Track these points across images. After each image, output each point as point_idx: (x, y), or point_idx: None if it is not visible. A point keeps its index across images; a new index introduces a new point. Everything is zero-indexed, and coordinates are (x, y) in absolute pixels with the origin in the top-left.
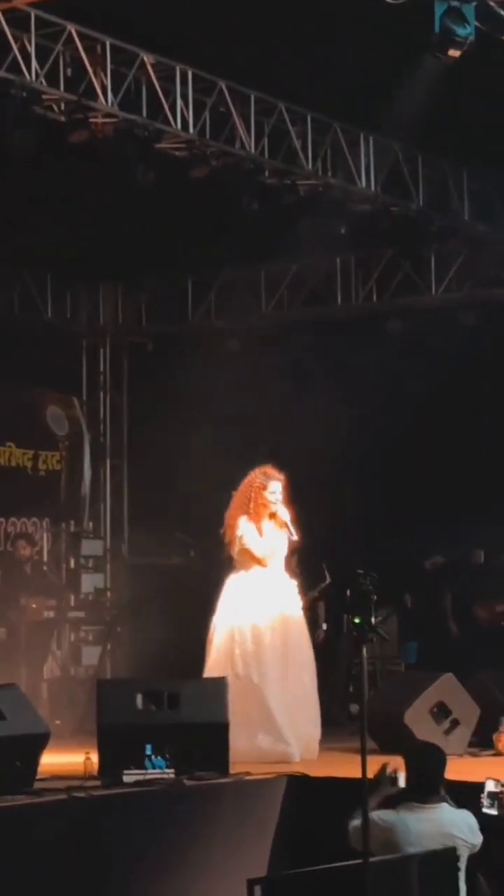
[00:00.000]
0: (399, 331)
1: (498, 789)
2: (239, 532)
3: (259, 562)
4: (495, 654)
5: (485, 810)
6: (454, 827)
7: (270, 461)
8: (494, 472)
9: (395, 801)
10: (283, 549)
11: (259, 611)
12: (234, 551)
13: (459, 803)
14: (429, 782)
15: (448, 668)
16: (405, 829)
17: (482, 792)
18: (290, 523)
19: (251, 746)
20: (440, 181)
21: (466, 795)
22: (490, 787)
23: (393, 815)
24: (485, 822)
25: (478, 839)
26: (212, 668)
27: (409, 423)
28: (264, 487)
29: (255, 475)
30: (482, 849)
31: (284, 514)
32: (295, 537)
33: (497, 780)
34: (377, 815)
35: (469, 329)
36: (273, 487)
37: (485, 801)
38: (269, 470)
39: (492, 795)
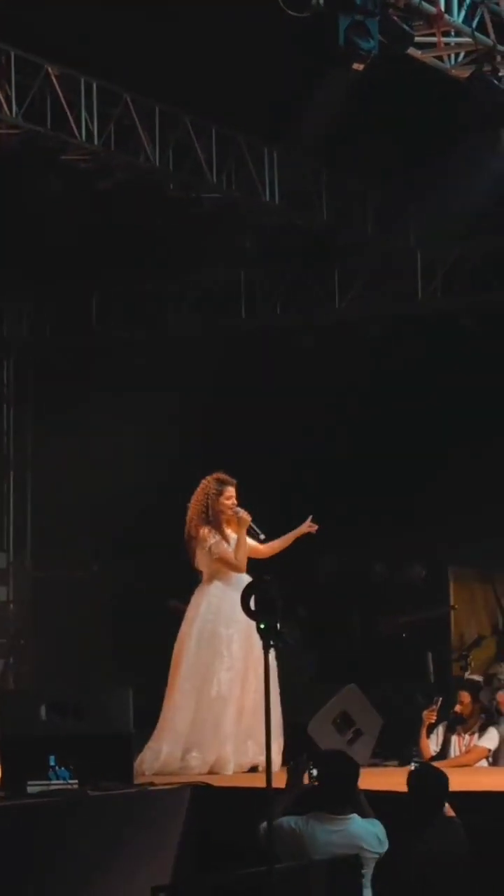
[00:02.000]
0: (303, 345)
1: None
2: (208, 543)
3: (236, 568)
4: (396, 666)
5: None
6: (362, 840)
7: (176, 474)
8: (398, 486)
9: (308, 800)
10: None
11: (238, 620)
12: (203, 562)
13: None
14: (340, 793)
15: (347, 679)
16: (312, 838)
17: None
18: (253, 524)
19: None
20: (345, 195)
21: (372, 805)
22: None
23: (302, 823)
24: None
25: (384, 848)
26: (184, 679)
27: (315, 437)
28: (220, 493)
29: (207, 483)
30: None
31: (246, 516)
32: (262, 536)
33: None
34: (287, 821)
35: (375, 343)
36: (229, 492)
37: None
38: (222, 476)
39: None
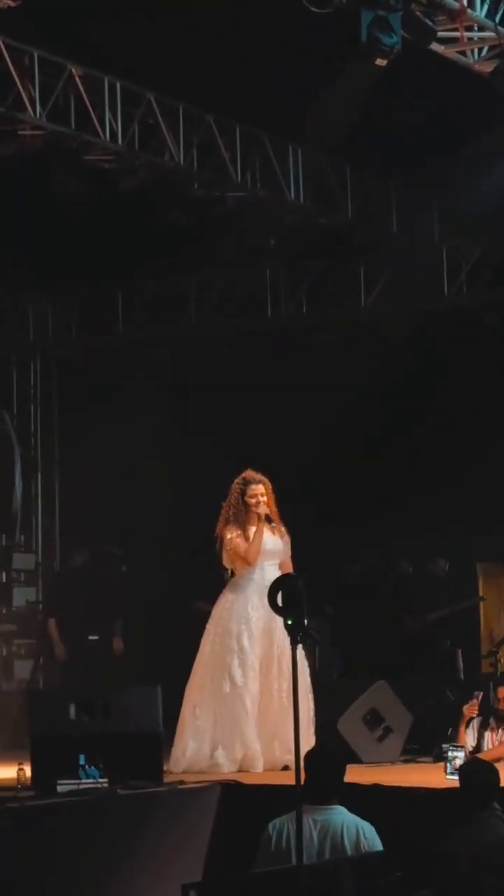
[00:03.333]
0: (327, 342)
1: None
2: (226, 540)
3: (246, 561)
4: (424, 662)
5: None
6: (344, 830)
7: (206, 474)
8: (423, 483)
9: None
10: (277, 550)
11: (251, 617)
12: (226, 561)
13: (391, 809)
14: (325, 785)
15: (376, 677)
16: (293, 830)
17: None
18: (275, 522)
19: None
20: (369, 193)
21: (402, 800)
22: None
23: (287, 819)
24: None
25: (366, 846)
26: (201, 676)
27: (339, 435)
28: (243, 492)
29: (235, 483)
30: None
31: (262, 511)
32: (285, 535)
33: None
34: (272, 824)
35: (400, 340)
36: (252, 490)
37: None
38: (248, 474)
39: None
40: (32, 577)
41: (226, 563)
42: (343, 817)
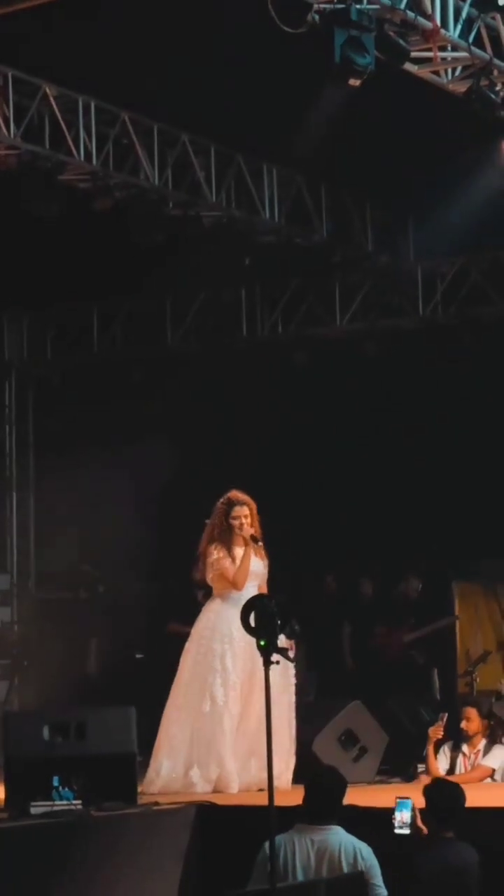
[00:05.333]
0: (303, 361)
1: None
2: (210, 559)
3: (233, 584)
4: (401, 682)
5: (397, 831)
6: (341, 850)
7: (182, 493)
8: (396, 502)
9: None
10: (260, 572)
11: (235, 636)
12: (209, 579)
13: (370, 830)
14: (325, 805)
15: (349, 697)
16: (292, 851)
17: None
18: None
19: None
20: (344, 213)
21: (377, 822)
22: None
23: (286, 838)
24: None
25: (363, 865)
26: (179, 696)
27: (314, 453)
28: (227, 513)
29: (220, 502)
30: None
31: (247, 533)
32: (259, 543)
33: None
34: (266, 844)
35: (376, 359)
36: (236, 512)
37: (396, 822)
38: (234, 494)
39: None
40: (7, 598)
41: (209, 580)
42: (340, 838)
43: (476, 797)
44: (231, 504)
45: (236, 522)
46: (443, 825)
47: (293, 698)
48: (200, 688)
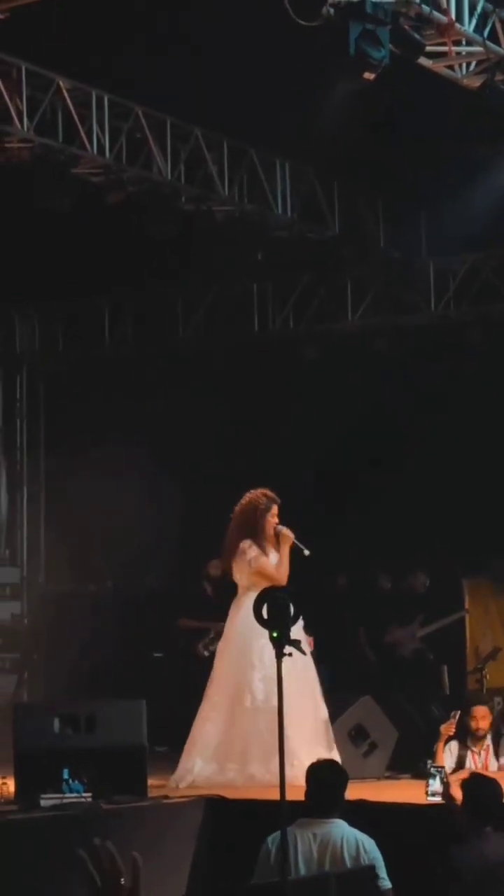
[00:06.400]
0: (315, 356)
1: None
2: (248, 556)
3: (277, 582)
4: (408, 679)
5: (430, 799)
6: (343, 843)
7: (190, 487)
8: (409, 498)
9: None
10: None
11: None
12: (241, 575)
13: (378, 824)
14: (326, 799)
15: (360, 693)
16: (294, 846)
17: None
18: (297, 541)
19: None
20: (356, 208)
21: (386, 817)
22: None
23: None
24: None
25: (366, 860)
26: (217, 694)
27: (325, 448)
28: (268, 510)
29: (256, 498)
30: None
31: (289, 533)
32: (307, 553)
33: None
34: (272, 838)
35: (387, 355)
36: (273, 510)
37: (428, 790)
38: (269, 493)
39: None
40: (17, 591)
41: (242, 575)
42: (343, 831)
43: None
44: (271, 502)
45: (274, 521)
46: (481, 820)
47: (316, 685)
48: (240, 684)
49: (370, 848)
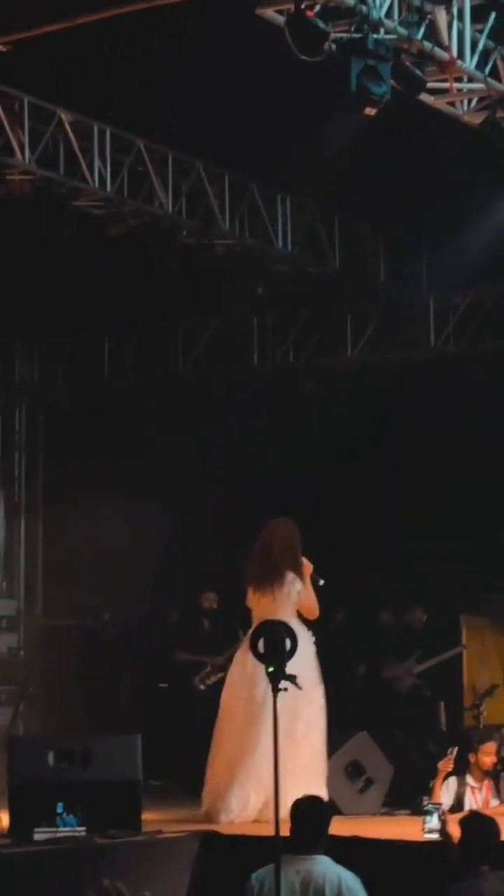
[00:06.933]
0: (314, 391)
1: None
2: (294, 588)
3: (315, 616)
4: (405, 715)
5: (427, 836)
6: (324, 880)
7: (190, 520)
8: (405, 533)
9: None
10: None
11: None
12: (281, 604)
13: (373, 861)
14: (310, 834)
15: (356, 728)
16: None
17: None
18: (315, 572)
19: None
20: (357, 243)
21: (381, 854)
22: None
23: (265, 872)
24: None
25: None
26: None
27: (324, 483)
28: (301, 544)
29: (293, 528)
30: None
31: (309, 564)
32: (322, 582)
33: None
34: (255, 876)
35: (387, 390)
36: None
37: (425, 827)
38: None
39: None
40: (13, 624)
41: (277, 605)
42: (325, 867)
43: None
44: (300, 536)
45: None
46: (478, 858)
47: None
48: (292, 714)
49: (353, 886)
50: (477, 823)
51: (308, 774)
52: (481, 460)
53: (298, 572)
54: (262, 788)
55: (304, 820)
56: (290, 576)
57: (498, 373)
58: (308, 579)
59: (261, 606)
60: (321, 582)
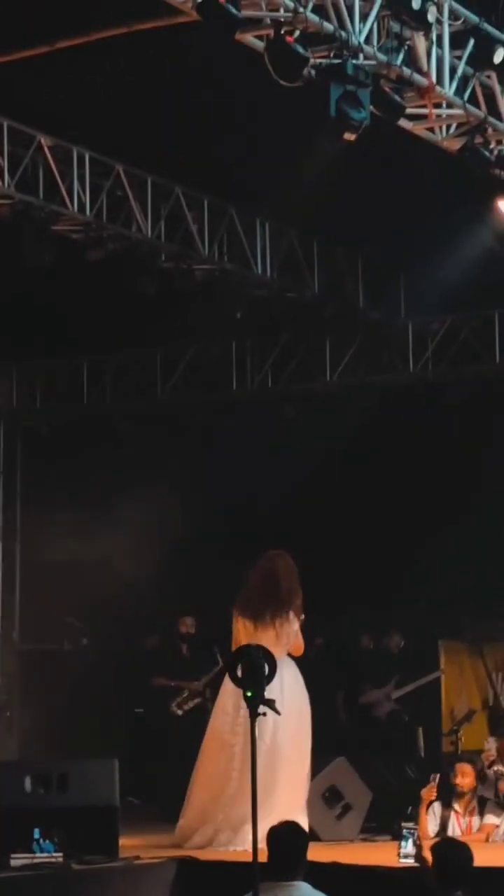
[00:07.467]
0: (293, 416)
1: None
2: (294, 627)
3: (300, 650)
4: (383, 741)
5: (402, 861)
6: None
7: (167, 546)
8: (383, 558)
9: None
10: None
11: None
12: (280, 644)
13: (351, 887)
14: (288, 862)
15: (334, 754)
16: None
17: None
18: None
19: None
20: (336, 268)
21: (358, 880)
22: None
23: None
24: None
25: None
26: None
27: (302, 508)
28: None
29: (293, 567)
30: None
31: None
32: (303, 616)
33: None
34: None
35: (366, 414)
36: None
37: (401, 853)
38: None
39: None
40: None
41: (286, 646)
42: (305, 893)
43: (487, 857)
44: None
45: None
46: (452, 883)
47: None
48: (303, 752)
49: None
50: (450, 849)
51: (296, 803)
52: (460, 485)
53: (299, 612)
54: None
55: (281, 846)
56: (293, 615)
57: (476, 397)
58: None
59: (258, 640)
60: (301, 617)
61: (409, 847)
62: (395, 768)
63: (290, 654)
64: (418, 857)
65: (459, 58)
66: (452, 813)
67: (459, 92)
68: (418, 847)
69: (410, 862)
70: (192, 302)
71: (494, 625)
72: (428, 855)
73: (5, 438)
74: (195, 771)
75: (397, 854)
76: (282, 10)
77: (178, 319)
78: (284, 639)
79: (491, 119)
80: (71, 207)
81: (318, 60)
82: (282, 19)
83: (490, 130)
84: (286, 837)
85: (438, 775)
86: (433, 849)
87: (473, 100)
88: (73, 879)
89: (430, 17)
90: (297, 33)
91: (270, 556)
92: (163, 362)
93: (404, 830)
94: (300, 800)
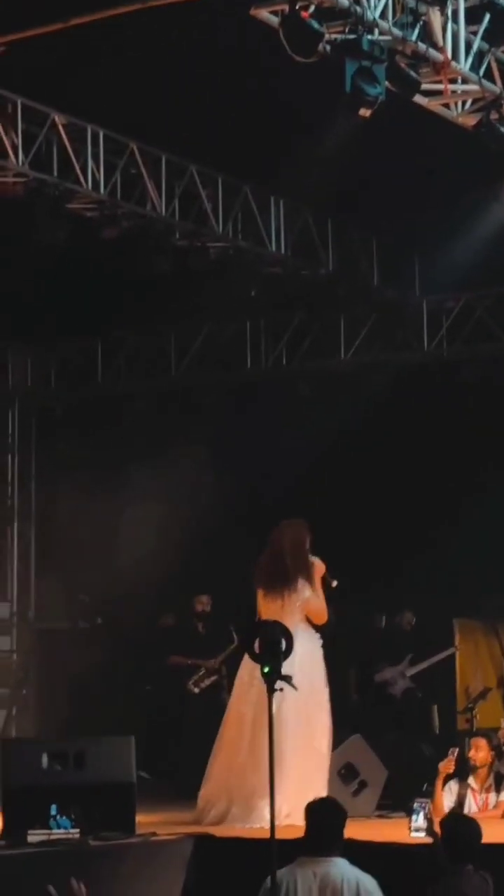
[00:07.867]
0: (307, 395)
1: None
2: (304, 595)
3: (322, 619)
4: (398, 718)
5: (413, 835)
6: (344, 881)
7: (183, 524)
8: (401, 537)
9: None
10: None
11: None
12: (291, 613)
13: (366, 863)
14: (325, 838)
15: (350, 731)
16: (294, 884)
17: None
18: (327, 574)
19: None
20: (350, 246)
21: (373, 856)
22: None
23: (286, 872)
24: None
25: None
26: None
27: (317, 486)
28: (310, 547)
29: (303, 531)
30: None
31: (321, 564)
32: (335, 584)
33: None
34: (268, 881)
35: (380, 393)
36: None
37: (412, 826)
38: (306, 524)
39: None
40: (6, 627)
41: (286, 611)
42: (343, 870)
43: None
44: (309, 535)
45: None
46: (460, 859)
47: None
48: (310, 724)
49: (371, 888)
50: (458, 824)
51: (317, 780)
52: (474, 463)
53: (309, 578)
54: (284, 798)
55: (319, 821)
56: (301, 582)
57: (490, 375)
58: (319, 582)
59: (269, 610)
60: (334, 583)
61: (419, 820)
62: (410, 746)
63: (311, 623)
64: (430, 830)
65: (475, 33)
66: (469, 790)
67: (475, 67)
68: (429, 821)
69: (422, 836)
70: (205, 280)
71: None
72: (438, 829)
73: (20, 418)
74: (217, 740)
75: (408, 828)
76: None
77: (192, 298)
78: (291, 607)
79: None
80: (85, 185)
81: (334, 36)
82: None
83: None
84: (323, 813)
85: (457, 749)
86: (441, 823)
87: (489, 75)
88: (89, 856)
89: None
90: (312, 8)
91: (279, 526)
92: (177, 341)
93: (415, 804)
94: (315, 774)
